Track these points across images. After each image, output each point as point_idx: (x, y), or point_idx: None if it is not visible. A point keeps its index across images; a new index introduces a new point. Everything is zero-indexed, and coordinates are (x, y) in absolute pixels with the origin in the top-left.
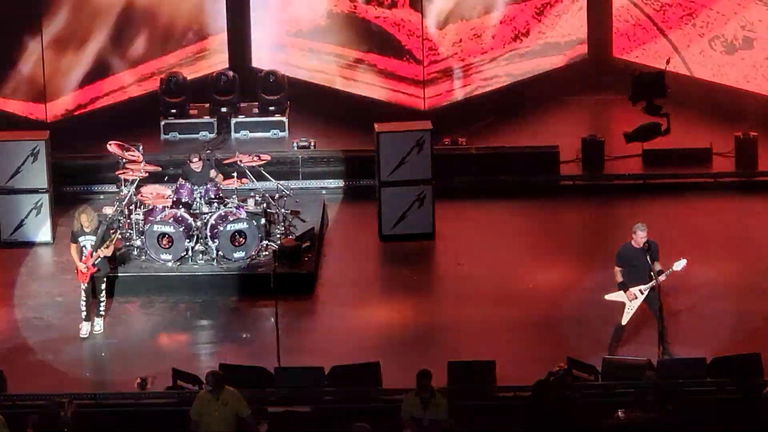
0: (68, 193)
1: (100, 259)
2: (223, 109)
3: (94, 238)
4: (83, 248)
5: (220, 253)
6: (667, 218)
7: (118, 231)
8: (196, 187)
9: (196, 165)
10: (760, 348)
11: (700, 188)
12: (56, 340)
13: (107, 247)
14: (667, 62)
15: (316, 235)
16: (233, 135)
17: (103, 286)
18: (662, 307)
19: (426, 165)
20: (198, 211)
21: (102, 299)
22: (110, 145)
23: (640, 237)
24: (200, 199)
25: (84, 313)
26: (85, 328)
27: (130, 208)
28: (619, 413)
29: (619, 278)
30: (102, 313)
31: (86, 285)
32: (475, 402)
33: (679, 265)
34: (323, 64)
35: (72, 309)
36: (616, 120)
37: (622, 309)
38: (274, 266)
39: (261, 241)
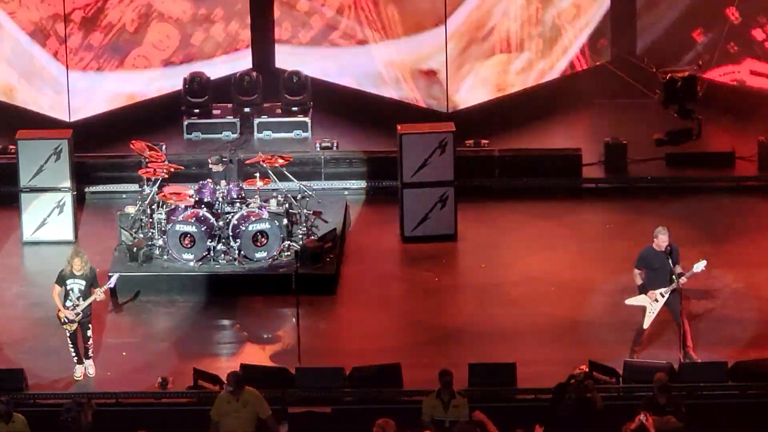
0: (91, 192)
1: (88, 305)
2: (246, 110)
3: (83, 282)
4: (70, 291)
5: (241, 253)
6: (689, 222)
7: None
8: (218, 186)
9: (214, 167)
10: None
11: (722, 192)
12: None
13: (102, 292)
14: (700, 65)
15: (338, 236)
16: (256, 135)
17: (89, 332)
18: (683, 311)
19: (448, 167)
20: (220, 211)
21: (90, 345)
22: (133, 144)
23: (661, 240)
24: (222, 198)
25: (75, 358)
26: (78, 371)
27: (153, 207)
28: (642, 416)
29: (639, 281)
30: (91, 354)
31: (72, 332)
32: (495, 404)
33: (699, 266)
34: (346, 65)
35: (93, 307)
36: (640, 123)
37: (643, 312)
38: (296, 267)
39: (283, 242)
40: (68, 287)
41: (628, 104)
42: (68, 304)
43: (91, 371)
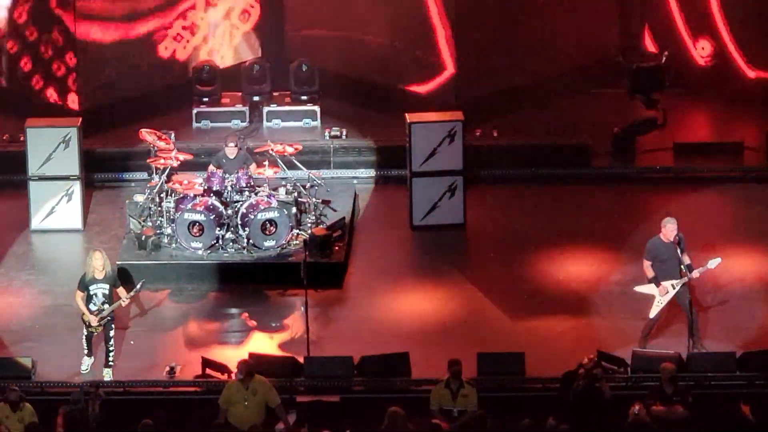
0: (100, 180)
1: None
2: (256, 98)
3: (107, 285)
4: (93, 296)
5: (250, 241)
6: (697, 212)
7: (140, 284)
8: (227, 175)
9: (231, 150)
10: None
11: (731, 182)
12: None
13: (128, 298)
14: (665, 55)
15: (346, 225)
16: (265, 124)
17: (112, 332)
18: (692, 301)
19: (457, 156)
20: (229, 200)
21: (111, 347)
22: (142, 132)
23: (669, 231)
24: (231, 187)
25: (86, 350)
26: (86, 363)
27: (161, 196)
28: (635, 408)
29: (650, 273)
30: (111, 363)
31: (88, 332)
32: (504, 393)
33: (714, 263)
34: (354, 54)
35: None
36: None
37: (651, 302)
38: (305, 255)
39: (292, 230)
40: (91, 292)
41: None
42: (92, 308)
43: (108, 378)
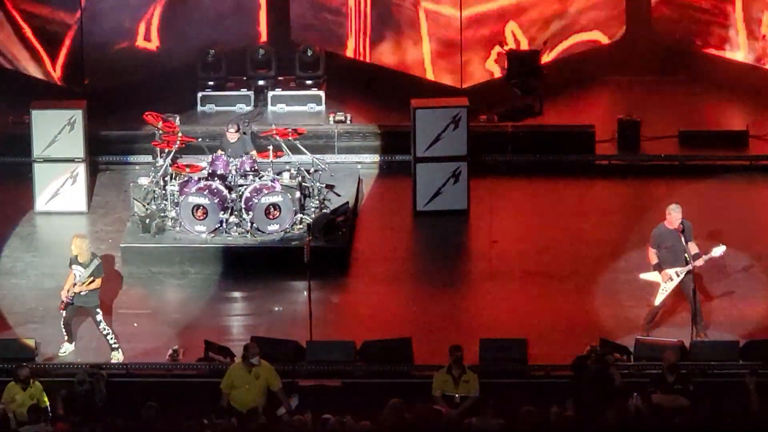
0: (104, 163)
1: (86, 292)
2: (261, 82)
3: (83, 271)
4: (74, 276)
5: (254, 225)
6: (702, 200)
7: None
8: (231, 159)
9: (232, 135)
10: None
11: (736, 170)
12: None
13: (87, 284)
14: (545, 44)
15: (350, 210)
16: (270, 108)
17: (99, 317)
18: (696, 290)
19: (462, 142)
20: (233, 184)
21: (105, 331)
22: (147, 115)
23: (674, 218)
24: (236, 171)
25: (66, 336)
26: (64, 348)
27: (166, 179)
28: (633, 399)
29: (654, 260)
30: (114, 346)
31: (64, 314)
32: (506, 380)
33: (718, 250)
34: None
35: (106, 277)
36: (654, 100)
37: (655, 290)
38: (308, 240)
39: (295, 215)
40: (74, 271)
41: (643, 81)
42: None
43: (114, 359)
